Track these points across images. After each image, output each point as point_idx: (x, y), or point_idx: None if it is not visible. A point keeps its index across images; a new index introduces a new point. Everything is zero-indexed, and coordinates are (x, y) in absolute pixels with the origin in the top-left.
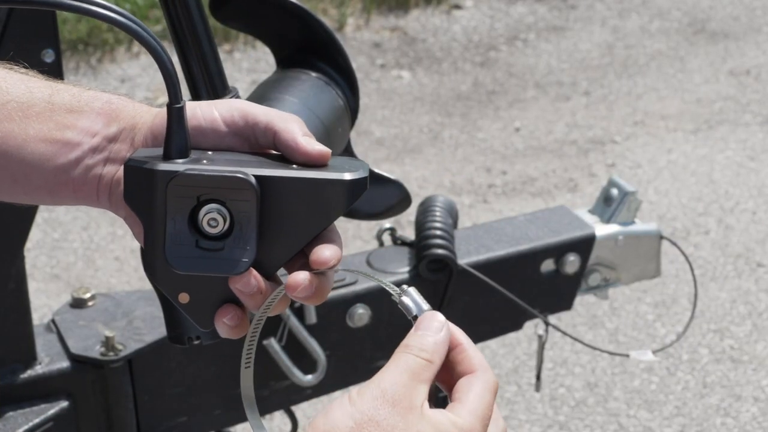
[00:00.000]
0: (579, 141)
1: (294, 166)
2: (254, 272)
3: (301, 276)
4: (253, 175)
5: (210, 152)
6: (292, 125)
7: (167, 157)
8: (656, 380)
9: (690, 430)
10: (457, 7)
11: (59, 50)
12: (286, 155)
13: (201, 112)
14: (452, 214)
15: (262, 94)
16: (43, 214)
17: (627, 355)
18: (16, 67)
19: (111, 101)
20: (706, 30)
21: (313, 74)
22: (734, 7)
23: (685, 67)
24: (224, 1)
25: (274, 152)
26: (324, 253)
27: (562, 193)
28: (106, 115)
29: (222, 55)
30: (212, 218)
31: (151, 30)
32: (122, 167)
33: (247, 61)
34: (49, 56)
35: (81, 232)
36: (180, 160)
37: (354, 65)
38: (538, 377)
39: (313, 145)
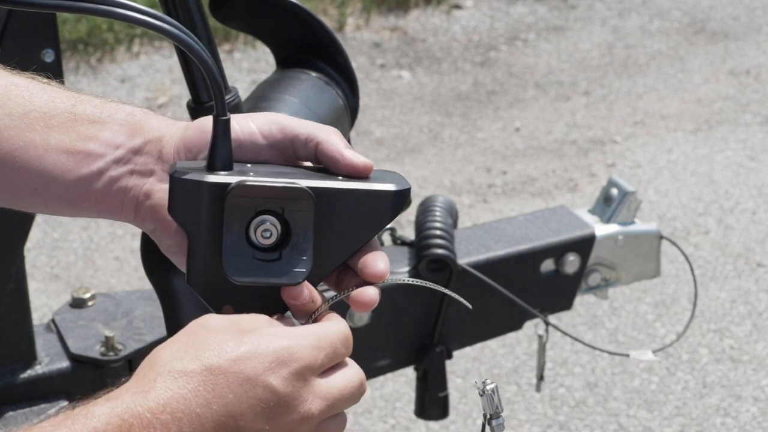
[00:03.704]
0: (579, 141)
1: (339, 177)
2: (307, 283)
3: (371, 291)
4: (307, 187)
5: (249, 165)
6: (333, 137)
7: (212, 169)
8: (656, 380)
9: (690, 430)
10: (457, 7)
11: (59, 50)
12: (328, 167)
13: (238, 125)
14: (452, 214)
15: (262, 94)
16: (42, 214)
17: (627, 355)
18: (38, 77)
19: (134, 113)
20: (706, 30)
21: (313, 74)
22: (734, 7)
23: (685, 67)
24: (224, 1)
25: (310, 164)
26: (379, 265)
27: (562, 193)
28: (129, 127)
29: (222, 55)
30: (265, 229)
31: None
32: (149, 180)
33: (247, 61)
34: (48, 56)
35: (81, 232)
36: (224, 172)
37: (354, 65)
38: (541, 377)
39: (358, 158)
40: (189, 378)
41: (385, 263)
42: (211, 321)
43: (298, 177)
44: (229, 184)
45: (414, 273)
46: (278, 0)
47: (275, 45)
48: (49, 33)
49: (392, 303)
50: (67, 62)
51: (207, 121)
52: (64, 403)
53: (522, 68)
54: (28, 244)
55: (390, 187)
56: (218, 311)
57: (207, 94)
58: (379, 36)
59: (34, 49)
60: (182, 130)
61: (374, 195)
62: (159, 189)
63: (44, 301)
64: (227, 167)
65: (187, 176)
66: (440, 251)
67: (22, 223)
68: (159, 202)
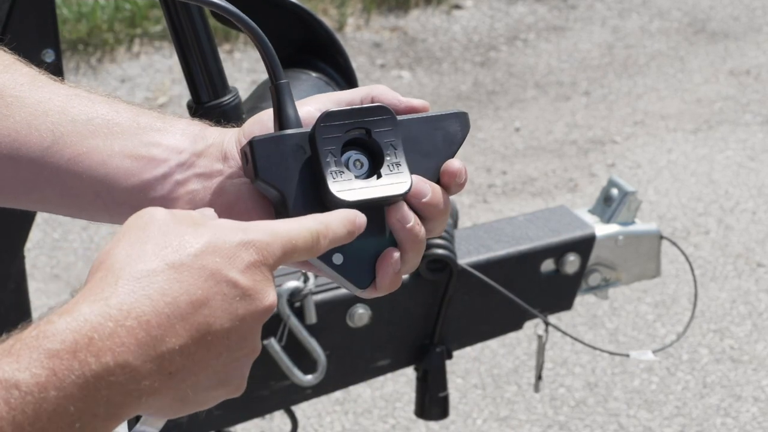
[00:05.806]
0: (579, 141)
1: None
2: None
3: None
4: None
5: None
6: (384, 88)
7: (284, 128)
8: (656, 380)
9: (690, 430)
10: (457, 7)
11: (59, 50)
12: None
13: (301, 116)
14: (452, 214)
15: (262, 94)
16: (42, 214)
17: (627, 355)
18: (98, 90)
19: (192, 122)
20: (706, 30)
21: (314, 74)
22: (734, 7)
23: (685, 67)
24: None
25: None
26: (454, 163)
27: (562, 193)
28: (192, 134)
29: (222, 55)
30: (356, 160)
31: (151, 30)
32: (216, 180)
33: (247, 61)
34: (49, 56)
35: (81, 232)
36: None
37: (354, 65)
38: (540, 377)
39: (414, 99)
40: (152, 277)
41: (459, 161)
42: (157, 214)
43: None
44: (307, 131)
45: (414, 273)
46: (278, 0)
47: (275, 45)
48: (49, 33)
49: (392, 303)
50: (67, 62)
51: (264, 114)
52: None
53: (522, 68)
54: (28, 244)
55: (455, 110)
56: (329, 262)
57: (207, 94)
58: (379, 36)
59: (34, 49)
60: (240, 129)
61: (445, 118)
62: (231, 185)
63: (44, 301)
64: (298, 126)
65: (268, 136)
66: (440, 251)
67: (22, 223)
68: (233, 198)
